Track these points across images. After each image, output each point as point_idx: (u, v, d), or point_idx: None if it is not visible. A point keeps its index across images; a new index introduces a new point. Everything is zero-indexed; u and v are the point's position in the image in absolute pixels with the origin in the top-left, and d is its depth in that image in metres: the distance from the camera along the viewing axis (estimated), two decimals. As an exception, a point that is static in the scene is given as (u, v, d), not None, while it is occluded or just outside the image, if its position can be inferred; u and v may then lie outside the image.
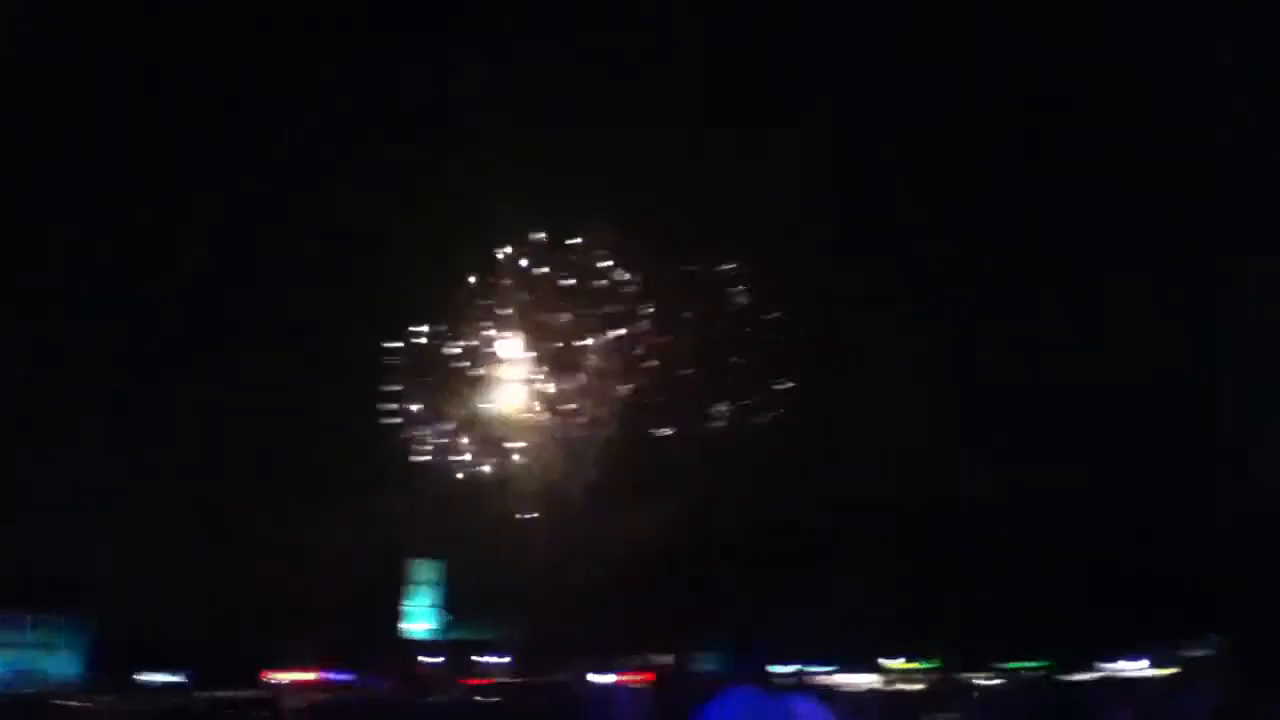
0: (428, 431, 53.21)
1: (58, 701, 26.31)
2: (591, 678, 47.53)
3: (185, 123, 49.23)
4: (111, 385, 46.61)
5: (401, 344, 52.19)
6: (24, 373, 44.37)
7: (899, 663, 58.48)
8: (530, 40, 49.83)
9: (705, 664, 53.06)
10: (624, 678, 52.18)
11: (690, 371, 52.89)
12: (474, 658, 56.15)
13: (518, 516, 53.12)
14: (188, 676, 46.56)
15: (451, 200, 48.99)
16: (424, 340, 52.94)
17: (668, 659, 57.07)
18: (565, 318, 53.94)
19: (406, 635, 57.09)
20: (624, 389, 54.29)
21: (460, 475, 54.11)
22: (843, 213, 52.56)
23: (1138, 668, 52.11)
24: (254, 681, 44.42)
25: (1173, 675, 41.95)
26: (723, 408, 52.30)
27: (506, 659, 56.40)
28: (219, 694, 36.83)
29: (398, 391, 52.36)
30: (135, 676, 45.80)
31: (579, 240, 51.89)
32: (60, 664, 45.89)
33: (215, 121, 50.12)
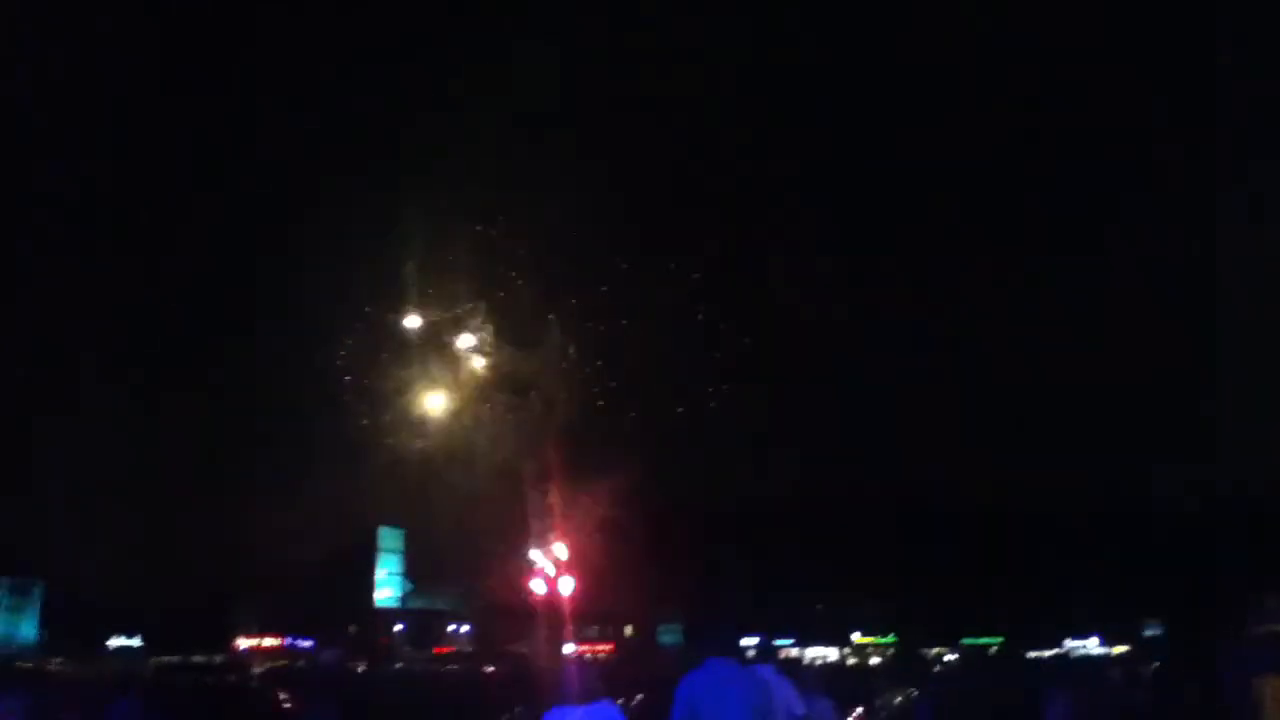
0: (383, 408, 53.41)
1: (19, 664, 26.18)
2: (551, 649, 47.87)
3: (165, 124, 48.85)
4: (79, 361, 46.10)
5: (361, 320, 52.37)
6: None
7: (859, 637, 59.42)
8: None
9: (667, 636, 53.73)
10: (583, 648, 52.60)
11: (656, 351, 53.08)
12: (435, 627, 56.33)
13: (477, 488, 53.13)
14: (144, 641, 46.47)
15: (414, 184, 48.99)
16: (385, 316, 53.10)
17: (628, 630, 57.62)
18: (525, 294, 54.29)
19: (369, 603, 57.14)
20: (583, 369, 54.67)
21: (420, 446, 54.24)
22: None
23: (1088, 646, 53.26)
24: (220, 647, 44.40)
25: (1122, 654, 42.84)
26: (690, 388, 52.63)
27: (467, 629, 56.59)
28: (179, 659, 36.80)
29: (355, 364, 52.39)
30: (105, 642, 45.78)
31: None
32: (20, 627, 45.64)
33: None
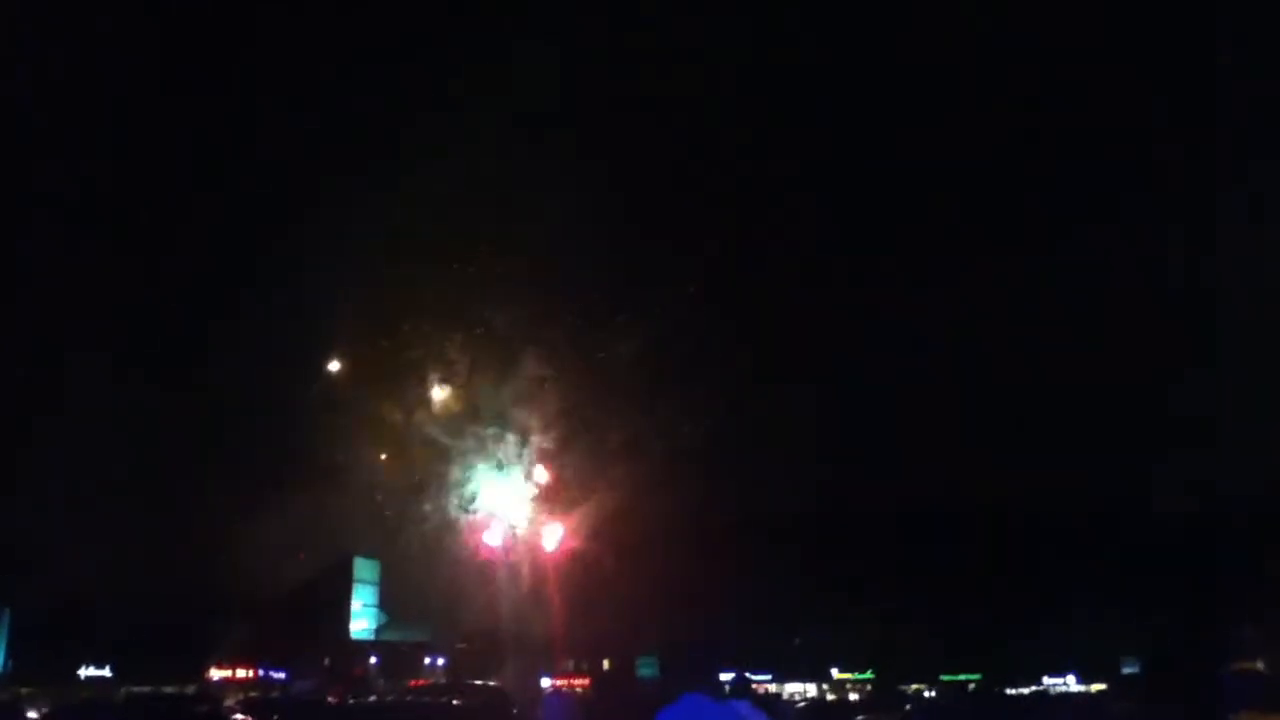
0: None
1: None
2: (527, 682, 47.57)
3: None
4: (57, 381, 45.76)
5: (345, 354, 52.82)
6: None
7: (838, 673, 59.25)
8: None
9: (644, 669, 53.41)
10: (560, 681, 52.26)
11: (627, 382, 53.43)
12: (410, 659, 55.87)
13: (455, 520, 53.22)
14: (114, 671, 45.89)
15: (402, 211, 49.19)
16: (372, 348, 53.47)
17: (604, 664, 57.28)
18: (503, 324, 54.86)
19: (344, 634, 56.65)
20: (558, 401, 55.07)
21: (403, 479, 54.40)
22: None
23: (1066, 683, 53.28)
24: (193, 677, 43.88)
25: (1098, 692, 42.91)
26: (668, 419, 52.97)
27: (441, 661, 56.15)
28: (150, 689, 36.35)
29: (332, 394, 52.69)
30: (75, 671, 45.17)
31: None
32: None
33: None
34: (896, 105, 52.61)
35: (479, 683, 37.60)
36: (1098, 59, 47.56)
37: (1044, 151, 52.59)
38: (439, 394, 55.49)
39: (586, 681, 52.35)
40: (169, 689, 37.89)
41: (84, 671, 46.30)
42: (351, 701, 32.61)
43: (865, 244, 54.46)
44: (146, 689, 36.62)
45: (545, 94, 49.28)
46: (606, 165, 49.20)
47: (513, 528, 52.79)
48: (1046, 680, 53.72)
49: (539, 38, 50.13)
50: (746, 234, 52.37)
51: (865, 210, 53.87)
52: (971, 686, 47.87)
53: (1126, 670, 47.84)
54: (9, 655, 45.75)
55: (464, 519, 53.47)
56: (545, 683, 51.36)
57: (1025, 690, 44.37)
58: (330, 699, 34.45)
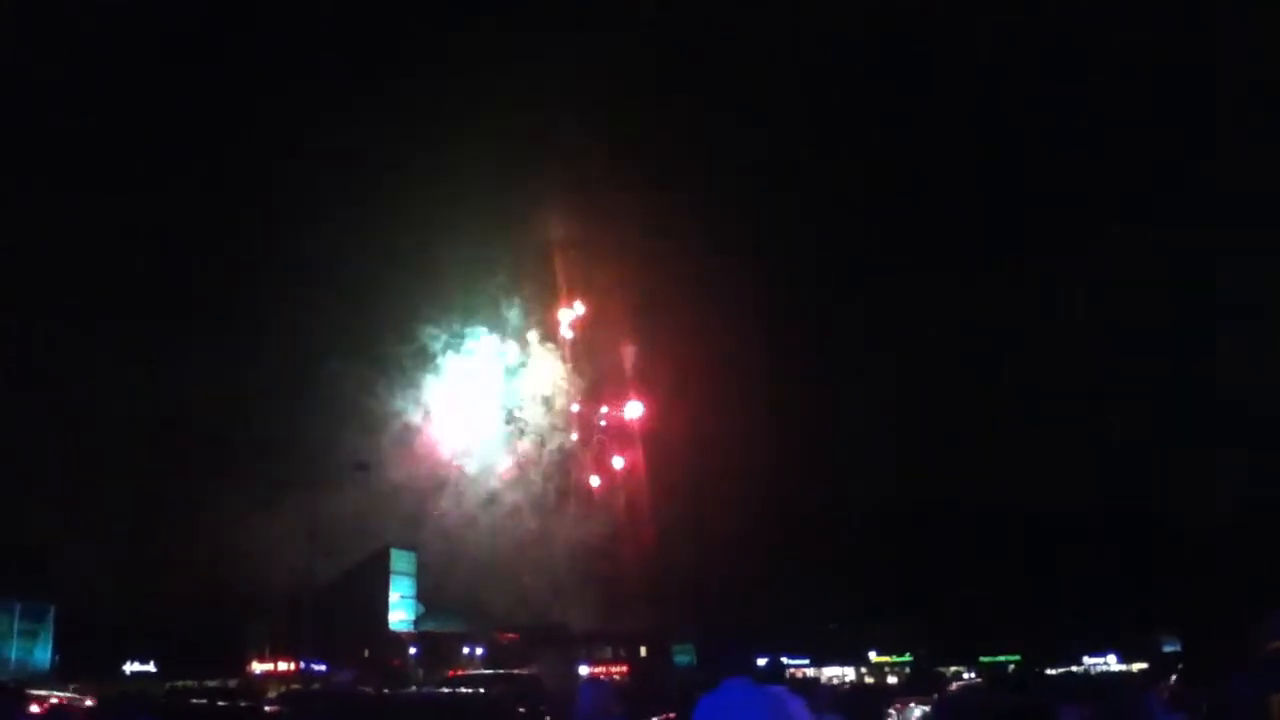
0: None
1: (31, 691, 26.16)
2: (564, 670, 47.67)
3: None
4: (93, 379, 46.34)
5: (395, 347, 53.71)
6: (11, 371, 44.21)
7: (876, 656, 59.04)
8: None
9: (681, 656, 53.49)
10: (598, 669, 52.36)
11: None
12: (448, 649, 56.12)
13: (489, 513, 53.71)
14: (158, 665, 46.39)
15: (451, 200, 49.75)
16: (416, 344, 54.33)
17: (641, 652, 57.36)
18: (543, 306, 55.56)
19: (382, 626, 57.02)
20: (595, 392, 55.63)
21: (437, 471, 55.09)
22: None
23: (1107, 662, 52.83)
24: (235, 671, 44.34)
25: (1141, 671, 42.49)
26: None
27: (480, 650, 56.38)
28: (194, 683, 36.77)
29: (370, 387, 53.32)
30: (120, 667, 45.71)
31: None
32: (34, 652, 45.58)
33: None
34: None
35: (514, 671, 37.64)
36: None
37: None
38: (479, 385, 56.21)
39: (625, 669, 52.42)
40: (212, 683, 38.25)
41: (129, 667, 46.83)
42: (385, 692, 32.83)
43: (877, 244, 54.49)
44: (190, 683, 36.97)
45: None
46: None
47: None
48: (1087, 660, 53.30)
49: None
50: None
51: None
52: (1011, 668, 47.50)
53: (1167, 649, 47.40)
54: (55, 652, 46.38)
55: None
56: (583, 670, 51.50)
57: (1069, 670, 44.04)
58: (368, 690, 34.67)
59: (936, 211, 53.73)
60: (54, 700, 22.44)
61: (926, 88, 51.92)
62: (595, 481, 55.23)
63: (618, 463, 55.65)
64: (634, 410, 54.76)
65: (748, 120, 51.83)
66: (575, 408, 56.35)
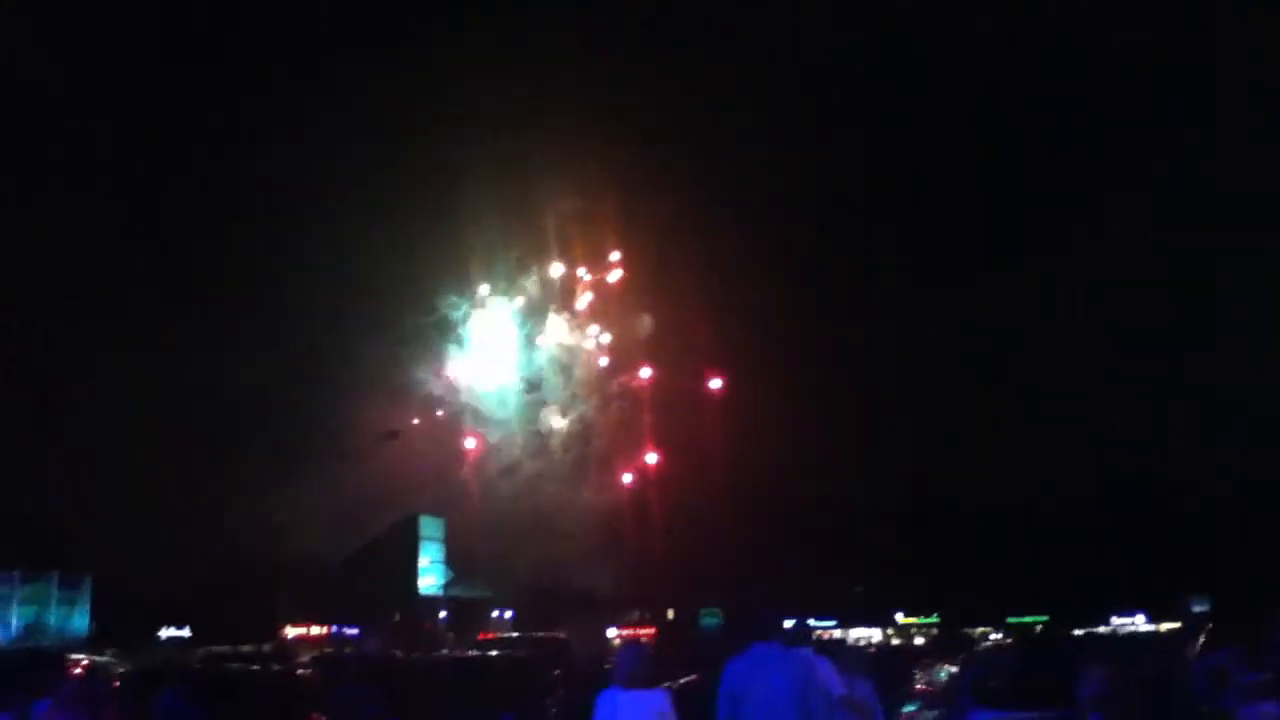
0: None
1: (73, 656, 26.62)
2: (592, 633, 48.05)
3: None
4: (128, 349, 46.76)
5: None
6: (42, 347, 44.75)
7: (903, 618, 59.19)
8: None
9: (708, 619, 53.78)
10: (626, 631, 52.77)
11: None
12: (478, 613, 56.70)
13: (512, 481, 54.03)
14: (192, 631, 47.13)
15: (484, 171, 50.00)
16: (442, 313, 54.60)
17: (669, 614, 57.73)
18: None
19: (412, 591, 57.63)
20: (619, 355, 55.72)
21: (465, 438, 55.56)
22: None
23: (1135, 622, 52.69)
24: (268, 636, 44.93)
25: (1170, 631, 42.33)
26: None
27: (509, 614, 56.92)
28: (228, 648, 37.26)
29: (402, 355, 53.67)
30: (155, 633, 46.51)
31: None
32: (72, 620, 46.42)
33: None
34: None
35: (542, 634, 38.00)
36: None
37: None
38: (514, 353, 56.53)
39: (652, 632, 52.80)
40: (245, 648, 38.77)
41: (164, 633, 47.60)
42: (416, 655, 33.18)
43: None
44: (224, 648, 37.49)
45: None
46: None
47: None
48: (1115, 620, 53.17)
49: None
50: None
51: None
52: (1039, 628, 47.49)
53: (1196, 609, 47.19)
54: (92, 619, 47.19)
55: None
56: (611, 633, 51.91)
57: (1095, 630, 43.88)
58: (402, 654, 35.07)
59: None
60: (85, 663, 22.82)
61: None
62: (619, 449, 55.31)
63: (639, 431, 55.71)
64: (651, 377, 54.75)
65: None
66: (598, 368, 56.43)
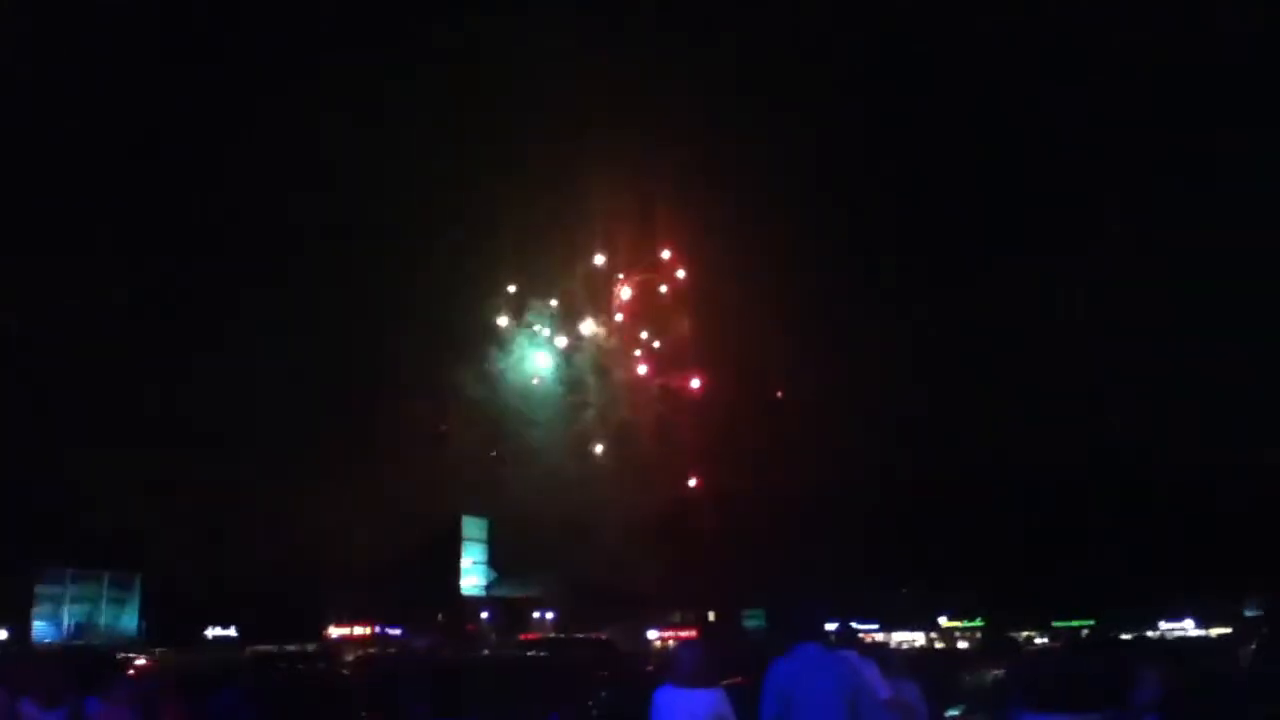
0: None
1: (122, 655, 27.12)
2: (634, 634, 48.09)
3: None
4: (171, 354, 47.43)
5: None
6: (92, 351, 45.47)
7: (946, 621, 58.58)
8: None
9: (750, 620, 53.64)
10: (667, 634, 52.75)
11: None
12: (521, 613, 56.97)
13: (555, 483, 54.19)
14: (239, 631, 47.70)
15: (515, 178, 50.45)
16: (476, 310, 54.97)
17: (710, 616, 57.61)
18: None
19: (455, 591, 58.04)
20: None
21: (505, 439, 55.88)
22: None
23: (1181, 628, 51.85)
24: (313, 636, 45.44)
25: (1221, 635, 41.63)
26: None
27: (551, 615, 57.12)
28: (274, 648, 37.73)
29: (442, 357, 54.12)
30: (204, 632, 47.17)
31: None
32: (121, 619, 47.20)
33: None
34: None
35: (585, 635, 38.12)
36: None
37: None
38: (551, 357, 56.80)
39: (694, 633, 52.75)
40: (291, 647, 39.23)
41: (210, 632, 48.23)
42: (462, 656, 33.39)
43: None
44: (270, 648, 37.98)
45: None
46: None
47: None
48: (1163, 625, 52.37)
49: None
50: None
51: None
52: (1085, 633, 46.90)
53: (1249, 614, 46.37)
54: (141, 618, 47.96)
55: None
56: (651, 634, 51.92)
57: (1143, 635, 43.20)
58: (447, 654, 35.33)
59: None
60: (141, 662, 23.23)
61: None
62: (661, 451, 55.35)
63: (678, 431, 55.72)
64: (700, 386, 54.78)
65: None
66: (639, 372, 56.51)
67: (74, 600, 45.36)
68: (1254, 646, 19.94)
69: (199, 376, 46.85)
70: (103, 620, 46.32)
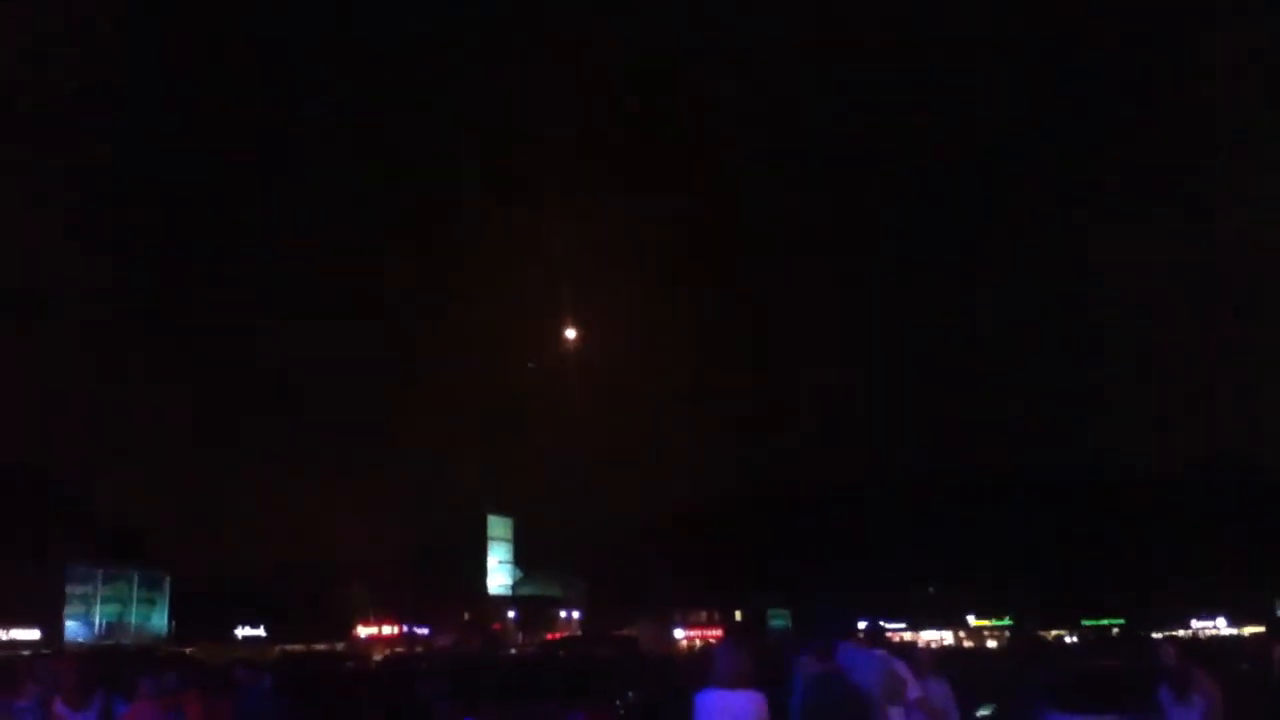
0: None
1: (163, 652, 27.36)
2: (660, 633, 48.03)
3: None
4: (203, 359, 47.85)
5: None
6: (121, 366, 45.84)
7: (974, 620, 58.24)
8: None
9: (776, 620, 53.51)
10: (693, 633, 52.71)
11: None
12: (546, 613, 57.02)
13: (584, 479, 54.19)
14: (266, 630, 47.94)
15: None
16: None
17: (737, 615, 57.52)
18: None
19: (482, 590, 58.15)
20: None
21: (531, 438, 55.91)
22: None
23: (1216, 625, 51.37)
24: (341, 635, 45.61)
25: (1254, 634, 41.20)
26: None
27: (576, 614, 57.17)
28: (302, 647, 37.94)
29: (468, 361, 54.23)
30: (233, 631, 47.41)
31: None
32: (151, 617, 47.52)
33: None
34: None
35: (611, 634, 38.08)
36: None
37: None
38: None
39: (719, 633, 52.67)
40: (319, 646, 39.40)
41: (240, 631, 48.50)
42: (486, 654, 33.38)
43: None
44: (298, 646, 38.17)
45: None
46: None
47: None
48: (1195, 623, 51.89)
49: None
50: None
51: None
52: (1115, 631, 46.52)
53: (1281, 612, 45.93)
54: (171, 617, 48.28)
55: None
56: (679, 634, 51.88)
57: (1174, 634, 42.74)
58: (473, 653, 35.34)
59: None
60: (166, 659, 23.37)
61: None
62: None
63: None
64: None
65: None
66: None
67: (105, 600, 45.64)
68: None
69: (230, 377, 47.24)
70: (133, 619, 46.64)
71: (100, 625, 45.26)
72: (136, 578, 47.39)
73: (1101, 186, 51.83)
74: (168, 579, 48.52)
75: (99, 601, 46.00)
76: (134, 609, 46.98)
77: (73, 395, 44.86)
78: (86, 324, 45.18)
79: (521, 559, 60.60)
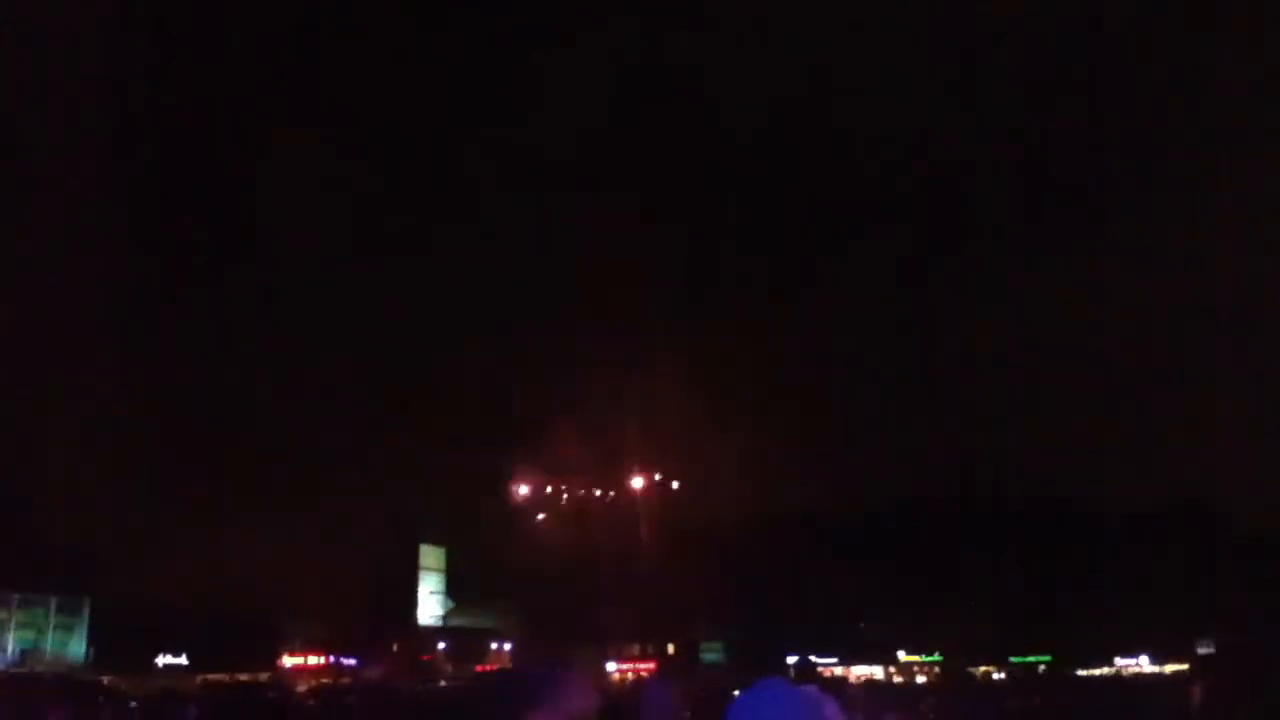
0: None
1: (80, 680, 26.54)
2: (593, 667, 47.72)
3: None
4: (131, 386, 46.91)
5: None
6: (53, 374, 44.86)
7: (905, 655, 58.68)
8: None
9: (709, 654, 53.40)
10: (626, 666, 52.43)
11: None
12: (477, 644, 56.40)
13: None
14: (189, 659, 46.77)
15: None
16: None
17: (669, 649, 57.31)
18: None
19: (411, 621, 57.35)
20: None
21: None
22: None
23: (1136, 664, 52.28)
24: (266, 665, 44.65)
25: (1176, 673, 41.95)
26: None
27: (508, 646, 56.62)
28: (226, 676, 37.12)
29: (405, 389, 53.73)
30: (154, 659, 46.15)
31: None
32: (69, 644, 46.10)
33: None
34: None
35: (539, 667, 37.74)
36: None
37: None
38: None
39: (653, 666, 52.42)
40: (243, 676, 38.55)
41: (161, 659, 47.24)
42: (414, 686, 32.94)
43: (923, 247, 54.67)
44: (222, 676, 37.31)
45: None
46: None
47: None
48: (1119, 661, 52.75)
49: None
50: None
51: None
52: (1042, 668, 47.16)
53: (1202, 651, 46.78)
54: (89, 644, 46.88)
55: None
56: (610, 667, 51.56)
57: (1096, 672, 43.47)
58: (400, 685, 34.83)
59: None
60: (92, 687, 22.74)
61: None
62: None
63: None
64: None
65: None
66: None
67: (20, 626, 44.25)
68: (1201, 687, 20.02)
69: (157, 402, 46.35)
70: (49, 646, 45.22)
71: (14, 651, 43.85)
72: (54, 603, 45.98)
73: (1057, 236, 52.97)
74: (87, 604, 47.13)
75: (14, 628, 44.59)
76: (50, 635, 45.57)
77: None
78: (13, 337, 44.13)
79: (453, 589, 59.92)
